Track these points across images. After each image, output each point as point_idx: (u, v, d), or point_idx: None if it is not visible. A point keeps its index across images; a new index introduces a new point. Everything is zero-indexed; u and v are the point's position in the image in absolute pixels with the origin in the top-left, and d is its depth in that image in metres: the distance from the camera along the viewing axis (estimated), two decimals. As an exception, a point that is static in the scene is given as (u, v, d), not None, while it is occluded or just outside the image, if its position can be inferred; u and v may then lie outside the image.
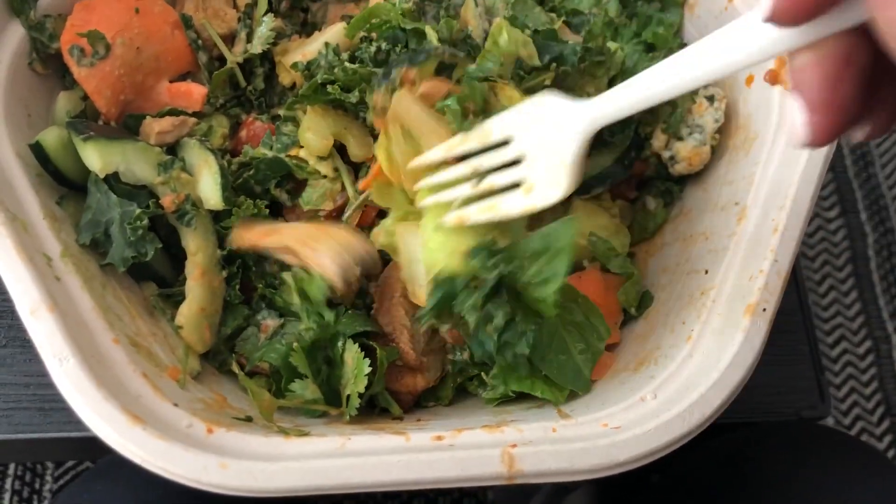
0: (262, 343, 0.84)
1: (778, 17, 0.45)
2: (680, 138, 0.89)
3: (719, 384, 0.72)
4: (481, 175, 0.71)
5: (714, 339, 0.75)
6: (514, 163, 0.69)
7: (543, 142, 0.68)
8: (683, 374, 0.75)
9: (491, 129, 0.71)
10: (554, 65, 0.83)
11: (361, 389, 0.78)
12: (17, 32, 0.83)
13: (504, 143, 0.70)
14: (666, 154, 0.90)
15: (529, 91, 0.80)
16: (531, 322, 0.73)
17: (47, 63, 0.85)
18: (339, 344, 0.80)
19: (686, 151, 0.89)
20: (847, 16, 0.46)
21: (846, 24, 0.46)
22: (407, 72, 0.77)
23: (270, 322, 0.85)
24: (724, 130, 0.90)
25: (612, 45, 0.89)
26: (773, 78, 0.86)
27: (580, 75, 0.85)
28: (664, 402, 0.73)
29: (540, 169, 0.68)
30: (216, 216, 0.84)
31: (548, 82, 0.83)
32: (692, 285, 0.82)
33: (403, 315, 0.83)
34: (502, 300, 0.72)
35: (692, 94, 0.89)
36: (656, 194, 0.94)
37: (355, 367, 0.78)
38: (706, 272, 0.81)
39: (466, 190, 0.71)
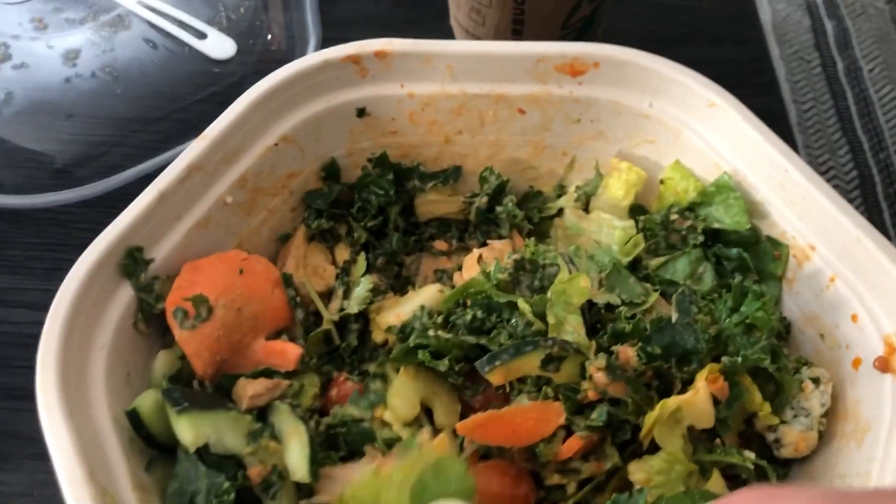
0: None
1: None
2: (785, 421, 0.85)
3: None
4: None
5: None
6: None
7: None
8: None
9: None
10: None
11: None
12: (126, 295, 0.85)
13: None
14: (770, 437, 0.86)
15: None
16: None
17: (150, 322, 0.88)
18: None
19: (792, 436, 0.85)
20: None
21: None
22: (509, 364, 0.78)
23: None
24: (831, 416, 0.86)
25: (704, 319, 0.87)
26: (883, 365, 0.83)
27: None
28: None
29: None
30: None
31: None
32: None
33: None
34: None
35: (798, 376, 0.86)
36: (759, 478, 0.88)
37: None
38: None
39: None
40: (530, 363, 0.80)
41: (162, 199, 0.88)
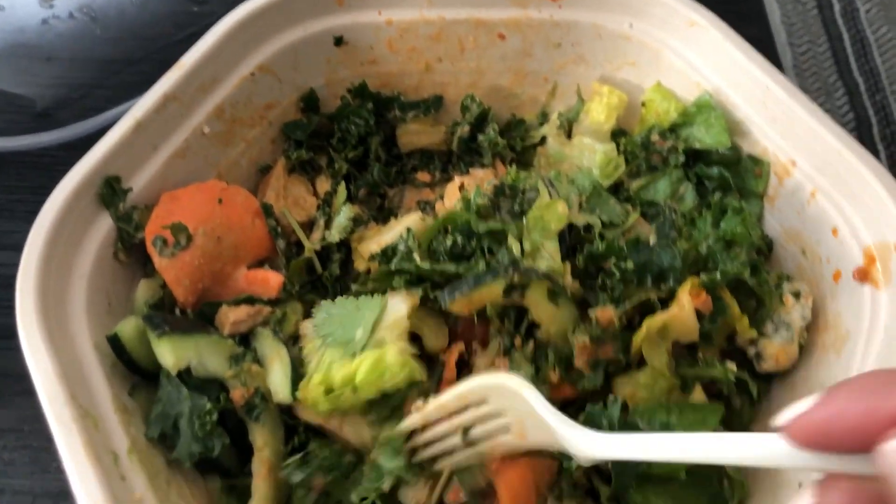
0: None
1: (791, 435, 0.51)
2: (766, 335, 0.85)
3: None
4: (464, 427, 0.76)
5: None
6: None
7: (533, 416, 0.72)
8: None
9: (465, 392, 0.75)
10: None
11: None
12: (105, 224, 0.85)
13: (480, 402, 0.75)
14: (751, 351, 0.86)
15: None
16: None
17: (131, 252, 0.87)
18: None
19: (773, 349, 0.85)
20: (862, 465, 0.48)
21: (860, 470, 0.48)
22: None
23: None
24: (812, 328, 0.86)
25: (682, 244, 0.87)
26: (862, 275, 0.83)
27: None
28: None
29: (530, 425, 0.73)
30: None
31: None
32: (783, 498, 0.77)
33: None
34: None
35: (779, 290, 0.86)
36: (740, 393, 0.89)
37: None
38: (799, 485, 0.75)
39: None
40: (492, 292, 0.80)
41: (138, 129, 0.87)
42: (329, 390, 0.79)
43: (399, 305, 0.84)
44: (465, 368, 0.85)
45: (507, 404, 0.73)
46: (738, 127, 0.94)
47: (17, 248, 1.14)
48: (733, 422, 0.88)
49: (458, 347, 0.85)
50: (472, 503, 0.78)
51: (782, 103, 0.89)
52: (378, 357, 0.78)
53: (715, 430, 0.82)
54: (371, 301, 0.84)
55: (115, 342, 0.79)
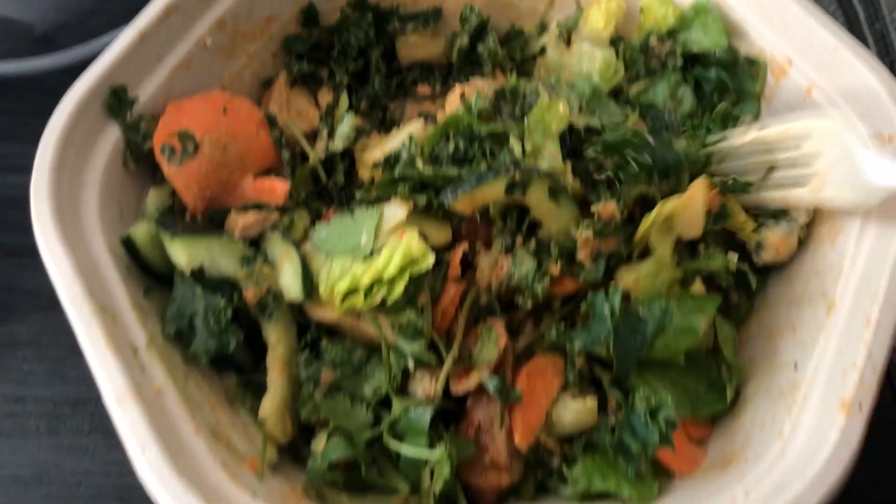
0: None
1: None
2: (766, 226, 0.88)
3: (815, 483, 0.68)
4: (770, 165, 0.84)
5: (807, 437, 0.72)
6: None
7: (844, 159, 0.78)
8: (776, 472, 0.71)
9: (793, 128, 0.82)
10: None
11: (439, 490, 0.78)
12: (113, 134, 0.87)
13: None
14: (753, 240, 0.88)
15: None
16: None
17: (140, 161, 0.89)
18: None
19: (774, 239, 0.87)
20: None
21: None
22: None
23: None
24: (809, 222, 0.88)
25: (682, 143, 0.89)
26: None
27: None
28: (756, 502, 0.69)
29: (835, 175, 0.79)
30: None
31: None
32: (781, 380, 0.79)
33: (504, 412, 0.81)
34: None
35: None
36: (738, 287, 0.91)
37: (438, 469, 0.78)
38: (795, 366, 0.78)
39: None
40: (494, 190, 0.82)
41: (142, 39, 0.88)
42: (352, 290, 0.82)
43: (396, 210, 0.86)
44: (468, 269, 0.87)
45: (823, 148, 0.79)
46: (734, 28, 0.95)
47: (25, 170, 1.15)
48: (731, 315, 0.91)
49: (463, 247, 0.87)
50: (493, 383, 0.81)
51: (778, 2, 0.90)
52: (405, 247, 0.80)
53: (712, 318, 0.85)
54: (367, 211, 0.86)
55: (128, 244, 0.81)
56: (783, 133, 0.82)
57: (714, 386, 0.83)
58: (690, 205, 0.83)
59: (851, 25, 1.33)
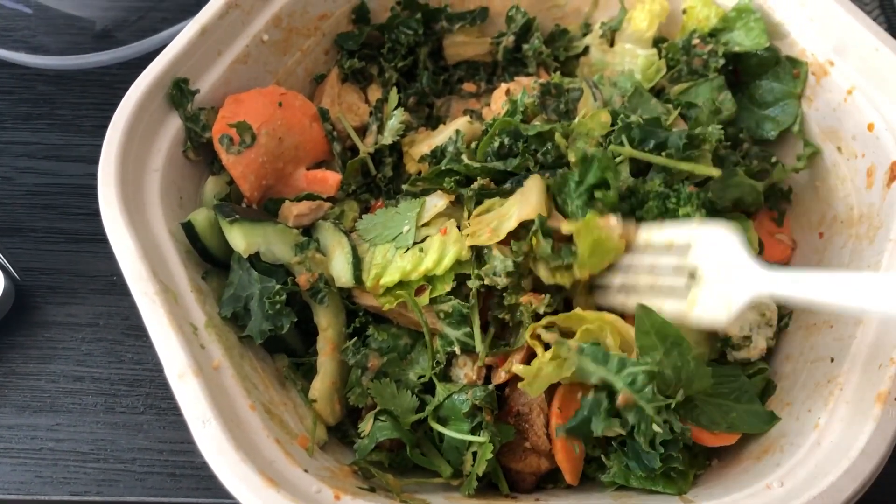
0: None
1: None
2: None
3: (850, 473, 0.70)
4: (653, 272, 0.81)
5: (843, 428, 0.74)
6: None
7: (718, 273, 0.77)
8: (811, 462, 0.73)
9: (674, 236, 0.81)
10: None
11: (481, 472, 0.81)
12: (175, 124, 0.91)
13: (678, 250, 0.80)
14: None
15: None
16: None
17: (199, 150, 0.93)
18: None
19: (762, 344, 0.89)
20: None
21: None
22: None
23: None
24: (847, 221, 0.90)
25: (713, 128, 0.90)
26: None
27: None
28: (792, 490, 0.71)
29: (707, 292, 0.77)
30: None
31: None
32: (817, 373, 0.81)
33: (543, 400, 0.84)
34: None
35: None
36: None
37: (481, 452, 0.81)
38: (832, 360, 0.80)
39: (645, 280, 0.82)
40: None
41: (203, 34, 0.92)
42: (400, 283, 0.85)
43: (437, 201, 0.89)
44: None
45: (708, 254, 0.78)
46: (776, 29, 0.97)
47: (85, 160, 1.21)
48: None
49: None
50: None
51: (820, 2, 0.92)
52: (456, 252, 0.84)
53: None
54: (409, 203, 0.90)
55: (189, 229, 0.85)
56: (669, 239, 0.81)
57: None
58: None
59: (894, 31, 1.33)
